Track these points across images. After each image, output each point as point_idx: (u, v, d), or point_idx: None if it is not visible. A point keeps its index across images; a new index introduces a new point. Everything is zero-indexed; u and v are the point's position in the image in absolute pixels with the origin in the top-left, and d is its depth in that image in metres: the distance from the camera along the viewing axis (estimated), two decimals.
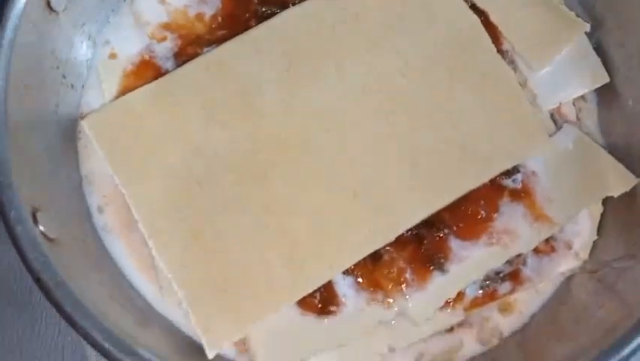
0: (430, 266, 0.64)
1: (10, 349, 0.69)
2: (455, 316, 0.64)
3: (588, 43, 0.72)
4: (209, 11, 0.71)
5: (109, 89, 0.68)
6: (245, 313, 0.60)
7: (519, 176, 0.67)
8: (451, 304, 0.64)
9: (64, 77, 0.65)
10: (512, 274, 0.65)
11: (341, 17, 0.69)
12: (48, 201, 0.58)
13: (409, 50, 0.68)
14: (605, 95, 0.71)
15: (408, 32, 0.69)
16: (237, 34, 0.68)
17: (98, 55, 0.69)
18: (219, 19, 0.70)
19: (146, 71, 0.68)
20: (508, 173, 0.67)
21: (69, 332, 0.69)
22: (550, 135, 0.69)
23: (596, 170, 0.68)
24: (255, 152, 0.64)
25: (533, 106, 0.69)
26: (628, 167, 0.67)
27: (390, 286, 0.63)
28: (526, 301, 0.66)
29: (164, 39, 0.69)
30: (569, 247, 0.67)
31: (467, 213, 0.65)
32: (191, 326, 0.61)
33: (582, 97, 0.72)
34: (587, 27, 0.71)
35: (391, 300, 0.63)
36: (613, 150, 0.69)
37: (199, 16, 0.70)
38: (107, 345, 0.51)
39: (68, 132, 0.66)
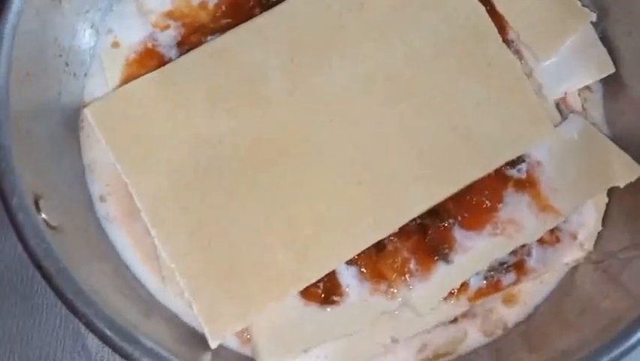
0: (434, 256, 0.63)
1: (10, 339, 0.69)
2: (459, 306, 0.64)
3: (594, 32, 0.71)
4: None
5: (112, 78, 0.67)
6: (248, 302, 0.60)
7: (524, 166, 0.66)
8: (455, 294, 0.64)
9: (67, 65, 0.65)
10: (517, 264, 0.65)
11: (346, 5, 0.68)
12: (50, 190, 0.58)
13: (414, 39, 0.68)
14: (611, 85, 0.71)
15: (413, 21, 0.68)
16: (241, 22, 0.68)
17: (100, 43, 0.69)
18: (223, 7, 0.70)
19: (150, 60, 0.68)
20: (513, 163, 0.66)
21: (70, 322, 0.69)
22: (556, 125, 0.68)
23: (602, 160, 0.67)
24: (260, 141, 0.64)
25: (539, 96, 0.68)
26: (634, 157, 0.67)
27: (393, 277, 0.63)
28: (531, 292, 0.66)
29: (167, 27, 0.69)
30: (574, 237, 0.66)
31: (472, 203, 0.64)
32: (194, 315, 0.61)
33: (588, 87, 0.71)
34: (594, 17, 0.70)
35: (395, 290, 0.63)
36: (618, 140, 0.69)
37: (203, 5, 0.70)
38: (108, 333, 0.51)
39: (71, 121, 0.66)
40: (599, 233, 0.66)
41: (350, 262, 0.63)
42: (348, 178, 0.63)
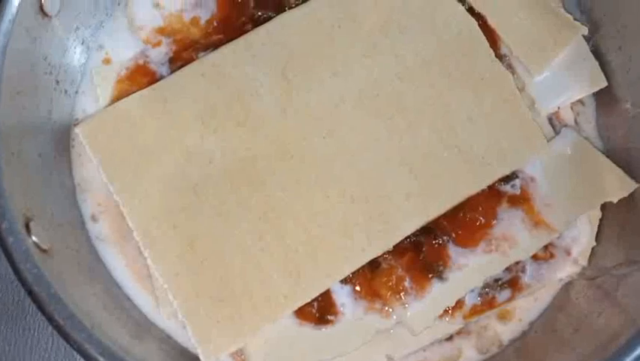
0: (428, 274, 0.63)
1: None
2: (454, 324, 0.64)
3: (586, 46, 0.71)
4: (204, 15, 0.70)
5: (103, 95, 0.67)
6: (242, 323, 0.60)
7: (517, 182, 0.66)
8: (450, 312, 0.63)
9: (57, 82, 0.64)
10: (511, 281, 0.65)
11: (338, 21, 0.68)
12: (41, 211, 0.57)
13: (406, 54, 0.68)
14: (603, 98, 0.71)
15: (406, 36, 0.68)
16: (233, 38, 0.67)
17: (91, 60, 0.68)
18: (215, 23, 0.69)
19: (141, 77, 0.67)
20: (507, 178, 0.66)
21: (62, 344, 0.68)
22: (549, 140, 0.68)
23: (595, 175, 0.67)
24: (252, 158, 0.64)
25: (532, 110, 0.68)
26: (627, 171, 0.67)
27: (388, 295, 0.62)
28: (526, 308, 0.66)
29: (158, 44, 0.69)
30: (568, 253, 0.66)
31: (466, 220, 0.64)
32: (188, 336, 0.60)
33: (580, 101, 0.71)
34: (585, 30, 0.70)
35: (390, 309, 0.62)
36: (612, 154, 0.69)
37: (194, 21, 0.70)
38: (100, 359, 0.50)
39: (61, 139, 0.65)
40: (593, 249, 0.66)
41: (344, 281, 0.63)
42: (341, 196, 0.63)
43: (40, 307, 0.50)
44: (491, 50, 0.69)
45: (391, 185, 0.64)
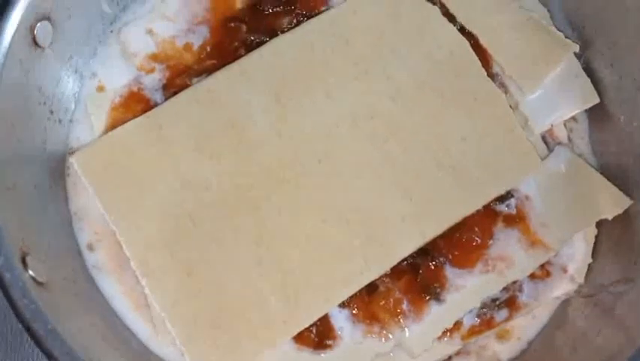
0: (426, 296, 0.63)
1: None
2: (453, 345, 0.64)
3: (577, 63, 0.71)
4: (197, 41, 0.70)
5: (98, 123, 0.67)
6: (241, 350, 0.60)
7: (513, 201, 0.66)
8: (449, 333, 0.63)
9: (51, 112, 0.64)
10: (508, 300, 0.65)
11: (330, 44, 0.68)
12: (37, 242, 0.57)
13: (399, 75, 0.68)
14: (596, 115, 0.71)
15: (398, 58, 0.69)
16: (226, 63, 0.68)
17: (85, 88, 0.68)
18: (208, 48, 0.70)
19: (135, 104, 0.68)
20: (502, 198, 0.66)
21: None
22: (543, 158, 0.68)
23: (589, 192, 0.67)
24: (247, 184, 0.64)
25: (525, 129, 0.69)
26: (621, 187, 0.67)
27: (386, 318, 0.62)
28: (524, 327, 0.66)
29: (152, 70, 0.69)
30: (565, 270, 0.66)
31: (462, 241, 0.64)
32: None
33: (573, 118, 0.72)
34: (576, 47, 0.71)
35: (388, 332, 0.62)
36: (606, 170, 0.69)
37: (187, 47, 0.70)
38: None
39: (57, 169, 0.65)
40: (589, 266, 0.66)
41: (342, 305, 0.63)
42: (337, 219, 0.63)
43: (39, 343, 0.50)
44: (483, 70, 0.69)
45: (387, 207, 0.64)
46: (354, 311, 0.63)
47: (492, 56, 0.71)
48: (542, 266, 0.66)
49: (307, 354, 0.62)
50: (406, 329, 0.63)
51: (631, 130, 0.68)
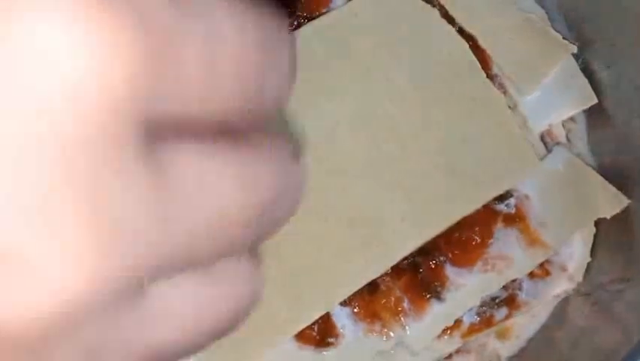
0: (426, 295, 0.64)
1: None
2: (453, 343, 0.64)
3: (575, 64, 0.72)
4: None
5: None
6: (243, 349, 0.60)
7: (512, 200, 0.67)
8: (449, 331, 0.64)
9: None
10: (508, 299, 0.65)
11: (330, 47, 0.69)
12: None
13: (399, 77, 0.69)
14: (594, 115, 0.72)
15: (398, 59, 0.69)
16: None
17: None
18: None
19: None
20: (501, 197, 0.67)
21: None
22: (541, 158, 0.69)
23: (588, 192, 0.68)
24: None
25: (524, 129, 0.69)
26: (619, 187, 0.68)
27: (387, 316, 0.63)
28: (523, 325, 0.66)
29: None
30: (564, 269, 0.67)
31: (462, 240, 0.65)
32: None
33: (571, 118, 0.72)
34: (574, 48, 0.71)
35: (389, 330, 0.63)
36: (604, 169, 0.70)
37: None
38: None
39: None
40: (588, 264, 0.67)
41: (343, 303, 0.63)
42: (338, 219, 0.64)
43: None
44: (482, 71, 0.70)
45: (387, 207, 0.65)
46: (355, 310, 0.63)
47: (491, 57, 0.71)
48: (541, 265, 0.66)
49: (309, 352, 0.62)
50: (407, 328, 0.63)
51: (628, 130, 0.69)
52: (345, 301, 0.63)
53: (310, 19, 0.70)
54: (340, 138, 0.66)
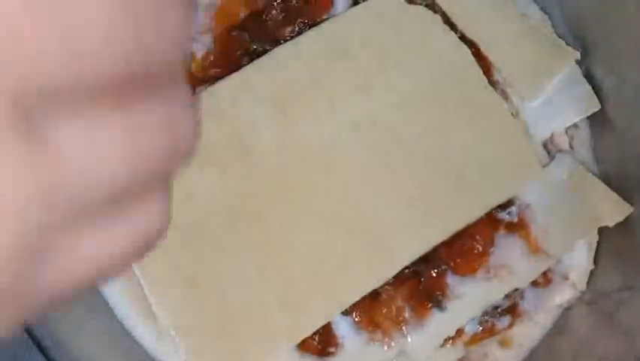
0: (428, 304, 0.63)
1: None
2: (455, 353, 0.64)
3: (578, 70, 0.72)
4: (201, 50, 0.70)
5: None
6: (243, 359, 0.60)
7: (514, 209, 0.67)
8: (451, 340, 0.64)
9: None
10: (510, 308, 0.65)
11: (332, 54, 0.69)
12: None
13: (400, 84, 0.68)
14: (597, 122, 0.72)
15: (399, 66, 0.69)
16: (230, 71, 0.68)
17: None
18: (211, 57, 0.70)
19: None
20: (504, 206, 0.66)
21: None
22: (544, 166, 0.69)
23: (591, 200, 0.68)
24: (250, 193, 0.64)
25: (526, 137, 0.69)
26: (622, 194, 0.67)
27: (389, 325, 0.63)
28: (525, 334, 0.66)
29: None
30: (566, 277, 0.67)
31: (464, 249, 0.65)
32: None
33: (574, 124, 0.72)
34: (577, 55, 0.71)
35: (391, 340, 0.63)
36: (607, 176, 0.69)
37: (191, 55, 0.70)
38: None
39: None
40: (591, 272, 0.67)
41: (345, 312, 0.63)
42: (340, 227, 0.64)
43: (44, 353, 0.50)
44: (484, 78, 0.69)
45: (389, 216, 0.64)
46: (356, 319, 0.63)
47: (493, 63, 0.71)
48: (544, 273, 0.66)
49: None
50: (409, 337, 0.63)
51: (632, 137, 0.68)
52: (346, 310, 0.63)
53: (311, 25, 0.70)
54: (342, 146, 0.66)
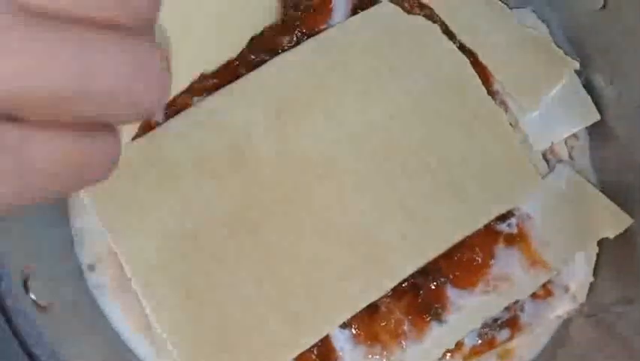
0: (427, 317, 0.63)
1: None
2: None
3: (577, 80, 0.72)
4: None
5: None
6: None
7: (514, 220, 0.66)
8: (450, 354, 0.63)
9: None
10: (510, 320, 0.65)
11: (329, 64, 0.68)
12: (38, 264, 0.57)
13: (399, 94, 0.68)
14: (597, 132, 0.71)
15: (397, 76, 0.68)
16: (228, 81, 0.68)
17: None
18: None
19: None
20: (503, 217, 0.66)
21: None
22: (544, 176, 0.68)
23: (590, 211, 0.67)
24: (248, 204, 0.64)
25: (525, 147, 0.69)
26: (622, 205, 0.67)
27: (388, 339, 0.62)
28: (525, 346, 0.66)
29: None
30: (566, 289, 0.66)
31: (463, 261, 0.64)
32: None
33: (574, 135, 0.72)
34: (577, 65, 0.71)
35: (389, 353, 0.62)
36: (607, 187, 0.69)
37: None
38: None
39: None
40: (590, 284, 0.66)
41: (343, 325, 0.62)
42: (338, 239, 0.63)
43: None
44: (483, 88, 0.69)
45: (387, 227, 0.64)
46: (355, 332, 0.63)
47: (492, 73, 0.71)
48: (544, 285, 0.66)
49: None
50: (408, 350, 0.62)
51: (631, 147, 0.68)
52: (344, 323, 0.62)
53: (310, 35, 0.70)
54: (340, 156, 0.65)
